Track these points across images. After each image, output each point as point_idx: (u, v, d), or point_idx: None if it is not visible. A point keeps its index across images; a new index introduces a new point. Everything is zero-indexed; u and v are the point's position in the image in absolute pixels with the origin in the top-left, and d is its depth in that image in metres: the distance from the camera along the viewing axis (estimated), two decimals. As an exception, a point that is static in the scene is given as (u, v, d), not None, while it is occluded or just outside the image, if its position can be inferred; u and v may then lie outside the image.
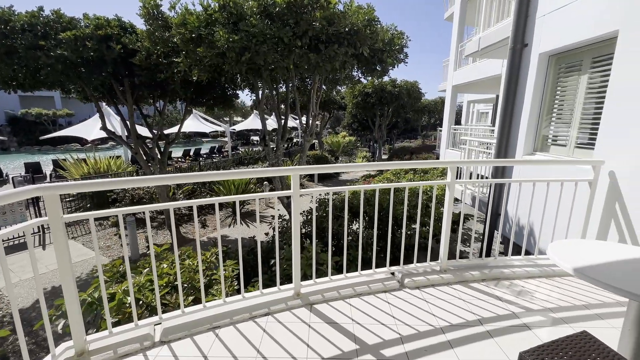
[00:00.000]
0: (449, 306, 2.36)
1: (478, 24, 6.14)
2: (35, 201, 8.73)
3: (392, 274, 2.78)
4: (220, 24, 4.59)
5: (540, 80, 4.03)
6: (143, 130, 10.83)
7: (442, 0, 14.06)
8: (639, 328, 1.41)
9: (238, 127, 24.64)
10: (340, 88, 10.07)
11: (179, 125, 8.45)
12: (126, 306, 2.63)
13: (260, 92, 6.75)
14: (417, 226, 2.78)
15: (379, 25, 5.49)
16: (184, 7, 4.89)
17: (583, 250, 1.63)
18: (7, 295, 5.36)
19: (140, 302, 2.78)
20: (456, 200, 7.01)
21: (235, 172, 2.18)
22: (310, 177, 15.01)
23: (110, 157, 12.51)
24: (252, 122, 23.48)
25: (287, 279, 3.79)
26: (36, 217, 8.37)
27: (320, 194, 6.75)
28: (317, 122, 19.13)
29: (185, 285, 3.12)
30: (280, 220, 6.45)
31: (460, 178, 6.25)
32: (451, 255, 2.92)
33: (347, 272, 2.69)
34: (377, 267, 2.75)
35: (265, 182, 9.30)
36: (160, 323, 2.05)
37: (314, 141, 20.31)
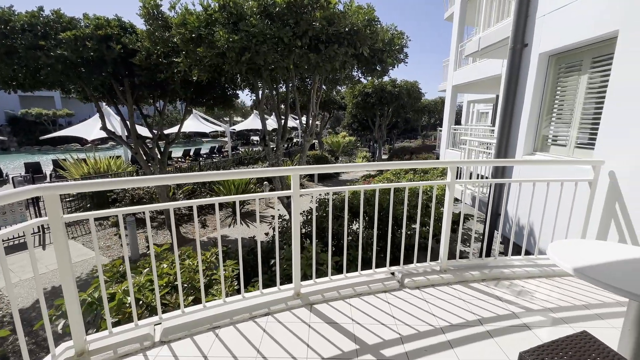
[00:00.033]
0: (449, 306, 2.36)
1: (478, 24, 6.14)
2: (35, 201, 8.73)
3: (392, 274, 2.78)
4: (220, 24, 4.59)
5: (540, 80, 4.03)
6: (143, 130, 10.83)
7: (442, 0, 14.05)
8: (639, 328, 1.41)
9: (238, 127, 24.65)
10: (340, 88, 10.08)
11: (179, 125, 8.45)
12: (126, 306, 2.63)
13: (260, 92, 6.75)
14: (417, 226, 2.78)
15: (379, 25, 5.49)
16: (184, 7, 4.89)
17: (583, 250, 1.63)
18: (7, 295, 5.36)
19: (140, 302, 2.78)
20: (456, 200, 7.01)
21: (235, 172, 2.18)
22: (310, 177, 15.01)
23: (110, 157, 12.51)
24: (252, 122, 23.48)
25: (287, 279, 3.79)
26: (36, 217, 8.37)
27: (320, 194, 6.75)
28: (317, 122, 19.13)
29: (185, 285, 3.12)
30: (280, 220, 6.45)
31: (460, 178, 6.25)
32: (451, 255, 2.92)
33: (347, 272, 2.69)
34: (377, 267, 2.75)
35: (265, 182, 9.30)
36: (160, 323, 2.06)
37: (314, 141, 20.32)
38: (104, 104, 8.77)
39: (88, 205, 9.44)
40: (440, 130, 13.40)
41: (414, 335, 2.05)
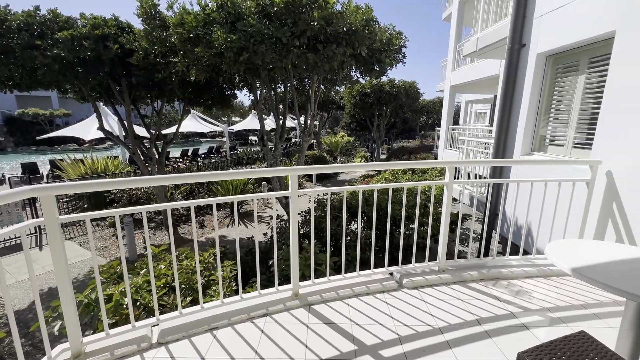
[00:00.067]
0: (448, 306, 2.36)
1: (476, 24, 6.15)
2: (31, 202, 8.67)
3: (391, 274, 2.77)
4: (218, 24, 4.58)
5: (538, 81, 4.04)
6: (141, 131, 10.78)
7: (440, 0, 14.07)
8: (637, 328, 1.41)
9: (236, 127, 24.58)
10: (338, 88, 10.07)
11: (177, 125, 8.42)
12: (123, 307, 2.62)
13: (258, 92, 6.74)
14: (415, 226, 2.78)
15: (377, 25, 5.49)
16: (181, 6, 4.87)
17: (581, 250, 1.63)
18: (2, 296, 5.33)
19: (138, 303, 2.76)
20: (454, 200, 7.02)
21: (234, 173, 2.17)
22: (309, 177, 15.00)
23: (107, 157, 12.45)
24: (251, 122, 23.43)
25: (285, 279, 3.78)
26: (33, 217, 8.32)
27: (318, 194, 6.74)
28: (316, 122, 19.13)
29: (183, 286, 3.10)
30: (279, 220, 6.44)
31: (458, 178, 6.26)
32: (449, 255, 2.92)
33: (346, 272, 2.68)
34: (375, 267, 2.75)
35: (264, 182, 9.28)
36: (157, 324, 2.04)
37: (312, 141, 20.31)
38: (102, 104, 8.74)
39: (85, 206, 9.39)
40: (439, 130, 13.43)
41: (412, 335, 2.04)
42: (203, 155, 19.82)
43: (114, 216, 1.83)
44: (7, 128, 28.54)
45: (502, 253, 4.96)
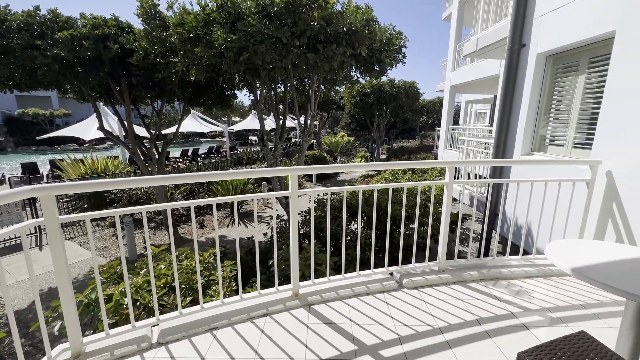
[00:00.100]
0: (448, 306, 2.36)
1: (476, 24, 6.15)
2: (32, 202, 8.67)
3: (391, 274, 2.77)
4: (218, 24, 4.58)
5: (538, 81, 4.04)
6: (141, 131, 10.78)
7: (440, 0, 14.07)
8: (637, 328, 1.41)
9: (236, 127, 24.59)
10: (338, 88, 10.07)
11: (177, 125, 8.42)
12: (123, 307, 2.62)
13: (258, 92, 6.74)
14: (415, 226, 2.78)
15: (377, 25, 5.49)
16: (181, 6, 4.87)
17: (581, 250, 1.63)
18: (2, 296, 5.33)
19: (138, 303, 2.76)
20: (454, 200, 7.02)
21: (234, 173, 2.17)
22: (309, 177, 15.00)
23: (107, 157, 12.45)
24: (251, 122, 23.43)
25: (285, 279, 3.78)
26: (33, 217, 8.32)
27: (318, 194, 6.74)
28: (316, 122, 19.12)
29: (183, 286, 3.10)
30: (279, 220, 6.44)
31: (458, 178, 6.26)
32: (449, 255, 2.92)
33: (346, 272, 2.68)
34: (375, 267, 2.75)
35: (264, 182, 9.28)
36: (157, 324, 2.04)
37: (312, 141, 20.31)
38: (102, 104, 8.74)
39: (85, 206, 9.39)
40: (439, 130, 13.43)
41: (412, 335, 2.04)
42: (203, 155, 19.83)
43: (114, 216, 1.83)
44: (7, 128, 28.55)
45: (502, 253, 4.96)
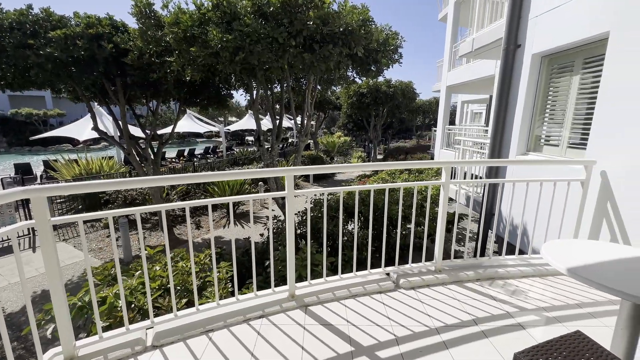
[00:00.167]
0: (444, 306, 2.36)
1: (471, 25, 6.18)
2: (25, 203, 8.56)
3: (387, 274, 2.77)
4: (213, 23, 4.55)
5: (533, 81, 4.06)
6: (136, 131, 10.70)
7: (436, 0, 14.14)
8: (632, 327, 1.42)
9: (233, 127, 24.49)
10: (335, 88, 10.08)
11: (172, 126, 8.37)
12: (117, 310, 2.59)
13: (254, 92, 6.71)
14: (412, 226, 2.78)
15: (374, 26, 5.49)
16: (176, 5, 4.84)
17: (576, 250, 1.64)
18: (-5, 299, 5.25)
19: (132, 305, 2.74)
20: (451, 200, 7.04)
21: (230, 173, 2.15)
22: (306, 178, 14.98)
23: (102, 157, 12.34)
24: (247, 122, 23.37)
25: (282, 280, 3.77)
26: (27, 219, 8.22)
27: (315, 195, 6.73)
28: (312, 122, 19.11)
29: (179, 287, 3.07)
30: (275, 220, 6.42)
31: (454, 178, 6.28)
32: (446, 255, 2.92)
33: (342, 272, 2.67)
34: (372, 267, 2.75)
35: (260, 183, 9.23)
36: (152, 327, 2.02)
37: (309, 141, 20.30)
38: (96, 103, 8.65)
39: (80, 207, 9.29)
40: (435, 131, 13.48)
41: (409, 336, 2.04)
42: (199, 156, 19.72)
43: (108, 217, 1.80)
44: (0, 128, 28.18)
45: (498, 253, 4.98)
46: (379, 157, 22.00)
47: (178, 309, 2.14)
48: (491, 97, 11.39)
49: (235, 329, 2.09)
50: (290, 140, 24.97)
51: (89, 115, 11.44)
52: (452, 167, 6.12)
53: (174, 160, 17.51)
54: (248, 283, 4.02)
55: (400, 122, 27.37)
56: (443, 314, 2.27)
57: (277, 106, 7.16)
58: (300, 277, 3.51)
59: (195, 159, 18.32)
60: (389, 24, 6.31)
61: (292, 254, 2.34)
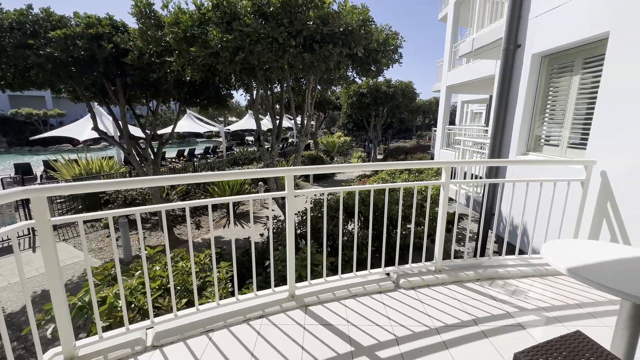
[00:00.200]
0: (444, 306, 2.36)
1: (471, 25, 6.18)
2: (25, 203, 8.56)
3: (387, 274, 2.77)
4: (213, 23, 4.55)
5: (533, 81, 4.06)
6: (136, 131, 10.70)
7: (436, 0, 14.14)
8: (631, 327, 1.42)
9: (233, 127, 24.49)
10: (335, 88, 10.07)
11: (172, 126, 8.37)
12: (117, 310, 2.59)
13: (254, 92, 6.71)
14: (412, 226, 2.78)
15: (374, 26, 5.49)
16: (176, 5, 4.84)
17: (576, 250, 1.64)
18: (-5, 299, 5.26)
19: (132, 305, 2.74)
20: (451, 200, 7.04)
21: (230, 173, 2.15)
22: (306, 178, 14.98)
23: (102, 157, 12.34)
24: (247, 122, 23.36)
25: (282, 280, 3.77)
26: (27, 219, 8.22)
27: (315, 195, 6.73)
28: (312, 122, 19.11)
29: (179, 287, 3.07)
30: (275, 220, 6.42)
31: (454, 178, 6.28)
32: (446, 255, 2.92)
33: (342, 272, 2.67)
34: (372, 267, 2.74)
35: (260, 183, 9.23)
36: (152, 327, 2.02)
37: (309, 141, 20.30)
38: (96, 103, 8.65)
39: (80, 207, 9.29)
40: (435, 131, 13.48)
41: (409, 336, 2.04)
42: (199, 156, 19.72)
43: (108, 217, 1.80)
44: (0, 128, 28.18)
45: (498, 253, 4.98)
46: (379, 157, 22.00)
47: (178, 309, 2.14)
48: (491, 97, 11.38)
49: (235, 329, 2.09)
50: (290, 140, 24.97)
51: (89, 115, 11.44)
52: (452, 167, 6.12)
53: (174, 160, 17.51)
54: (248, 283, 4.02)
55: (400, 122, 27.37)
56: (443, 314, 2.27)
57: (277, 106, 7.16)
58: (300, 277, 3.51)
59: (195, 159, 18.32)
60: (389, 24, 6.31)
61: (292, 254, 2.34)
